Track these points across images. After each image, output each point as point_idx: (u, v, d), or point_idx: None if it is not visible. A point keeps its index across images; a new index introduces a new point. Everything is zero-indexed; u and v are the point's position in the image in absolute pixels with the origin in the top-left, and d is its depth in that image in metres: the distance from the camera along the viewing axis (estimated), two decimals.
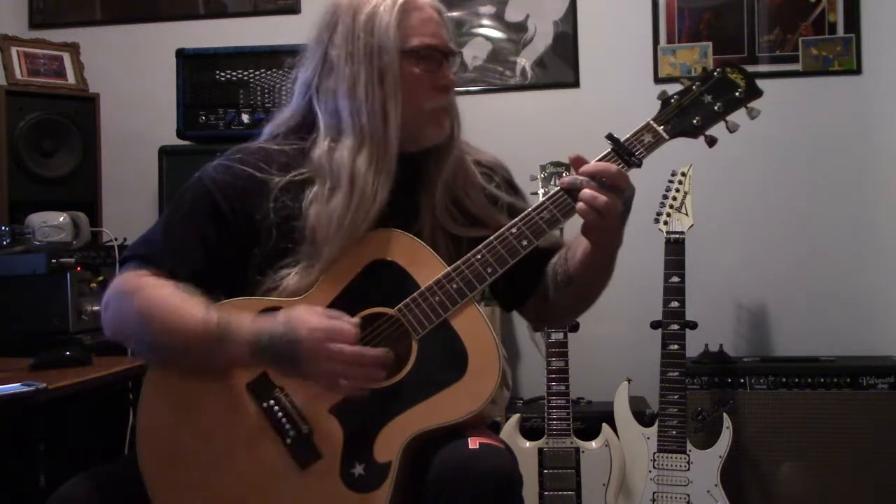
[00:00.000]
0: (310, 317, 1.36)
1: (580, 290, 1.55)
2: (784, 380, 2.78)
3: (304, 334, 1.34)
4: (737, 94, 1.50)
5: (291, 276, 1.45)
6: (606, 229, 1.43)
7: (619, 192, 1.41)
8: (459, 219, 1.55)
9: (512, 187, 1.66)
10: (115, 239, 2.72)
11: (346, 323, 1.36)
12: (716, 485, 2.58)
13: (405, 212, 1.52)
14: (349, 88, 1.49)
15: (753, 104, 1.50)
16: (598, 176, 1.41)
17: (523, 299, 1.64)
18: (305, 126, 1.56)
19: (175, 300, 1.42)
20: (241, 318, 1.39)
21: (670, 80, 3.12)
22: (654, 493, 2.62)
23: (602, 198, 1.38)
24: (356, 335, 1.36)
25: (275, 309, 1.42)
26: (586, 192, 1.39)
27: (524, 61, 3.29)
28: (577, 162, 1.44)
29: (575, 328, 2.69)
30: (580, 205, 1.40)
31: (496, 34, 3.31)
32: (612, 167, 1.42)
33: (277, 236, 1.48)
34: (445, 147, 1.56)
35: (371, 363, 1.36)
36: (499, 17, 3.30)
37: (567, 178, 1.45)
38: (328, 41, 1.52)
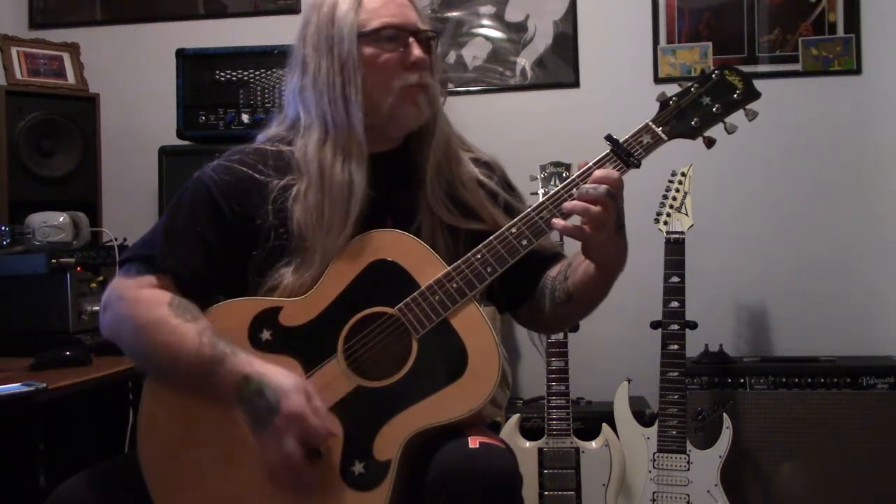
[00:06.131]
0: (295, 396, 1.33)
1: (577, 307, 1.56)
2: (784, 380, 2.78)
3: (282, 408, 1.32)
4: (735, 95, 1.50)
5: (289, 275, 1.46)
6: (602, 243, 1.43)
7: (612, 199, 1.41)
8: (454, 210, 1.55)
9: (509, 186, 1.68)
10: (115, 239, 2.71)
11: (321, 421, 1.33)
12: (716, 485, 2.58)
13: (402, 208, 1.53)
14: (313, 81, 1.51)
15: (751, 106, 1.51)
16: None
17: (518, 304, 1.65)
18: (296, 129, 1.57)
19: (169, 325, 1.40)
20: (233, 359, 1.37)
21: (670, 80, 3.11)
22: (653, 493, 2.62)
23: (595, 208, 1.39)
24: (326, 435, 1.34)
25: (273, 309, 1.43)
26: (577, 204, 1.40)
27: (524, 61, 3.29)
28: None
29: (575, 328, 2.68)
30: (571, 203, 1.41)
31: (496, 34, 3.31)
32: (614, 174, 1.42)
33: (276, 238, 1.49)
34: (428, 129, 1.56)
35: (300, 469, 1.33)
36: (499, 17, 3.30)
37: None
38: (303, 42, 1.55)
